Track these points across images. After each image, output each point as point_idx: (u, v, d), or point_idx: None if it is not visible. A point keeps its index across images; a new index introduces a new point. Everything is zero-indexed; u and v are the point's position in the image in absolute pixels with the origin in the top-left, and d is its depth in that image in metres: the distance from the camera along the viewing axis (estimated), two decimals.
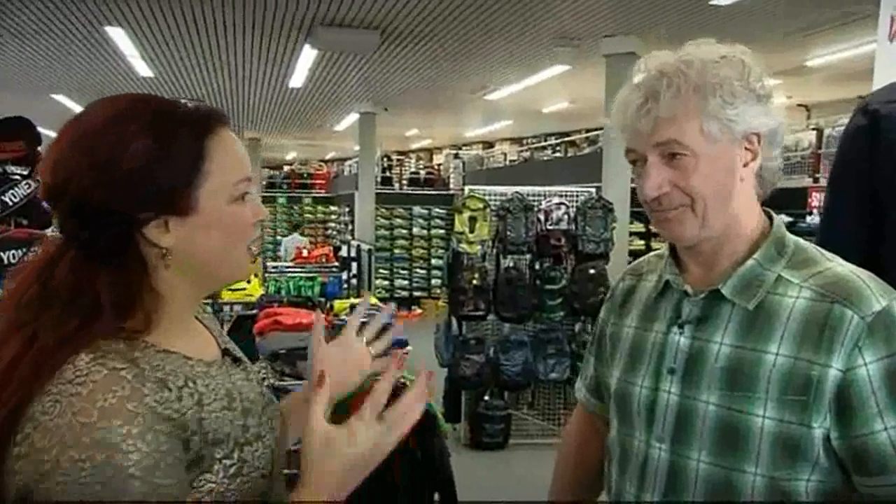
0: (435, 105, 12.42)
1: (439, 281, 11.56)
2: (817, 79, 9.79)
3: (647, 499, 1.02)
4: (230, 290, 4.64)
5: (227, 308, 4.69)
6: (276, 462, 0.92)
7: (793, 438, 0.91)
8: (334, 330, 3.07)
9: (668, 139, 0.94)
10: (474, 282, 4.89)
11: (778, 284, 0.96)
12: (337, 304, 3.69)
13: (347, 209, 13.65)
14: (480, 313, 4.94)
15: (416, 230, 12.24)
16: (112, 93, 0.89)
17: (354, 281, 7.57)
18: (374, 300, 3.89)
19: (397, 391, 0.84)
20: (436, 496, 2.38)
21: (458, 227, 4.97)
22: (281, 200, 15.45)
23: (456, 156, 16.61)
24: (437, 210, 12.27)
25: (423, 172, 16.34)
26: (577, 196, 5.15)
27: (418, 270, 12.22)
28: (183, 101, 0.88)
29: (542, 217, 4.98)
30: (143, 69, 9.11)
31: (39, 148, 3.33)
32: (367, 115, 11.88)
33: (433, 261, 12.09)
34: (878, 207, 1.37)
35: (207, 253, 0.86)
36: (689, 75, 0.94)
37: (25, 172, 3.22)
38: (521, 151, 16.15)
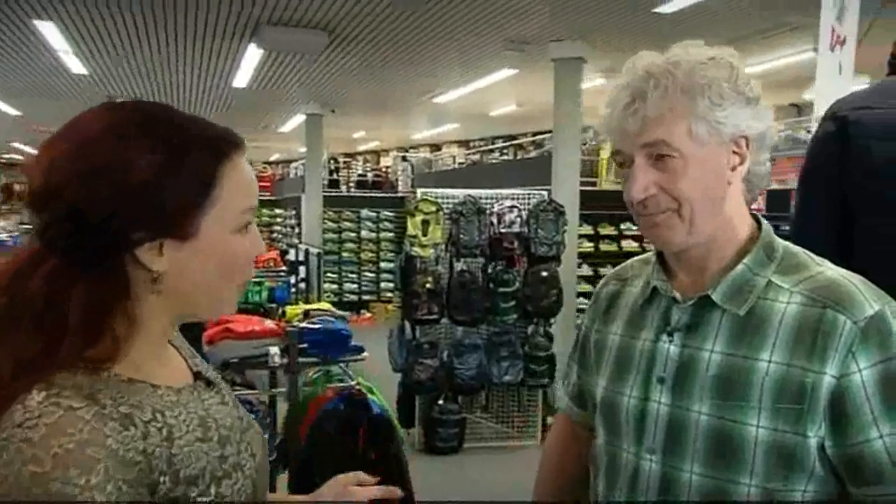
0: (383, 107, 12.32)
1: (389, 284, 11.51)
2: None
3: None
4: None
5: None
6: (260, 489, 0.85)
7: (787, 448, 0.89)
8: (287, 336, 2.99)
9: (656, 139, 0.92)
10: (428, 285, 4.85)
11: (768, 290, 0.95)
12: (289, 310, 3.60)
13: (294, 212, 13.40)
14: (434, 317, 4.90)
15: (364, 233, 12.11)
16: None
17: (303, 285, 7.43)
18: (326, 305, 3.81)
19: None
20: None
21: (410, 230, 4.91)
22: None
23: (404, 158, 16.51)
24: (386, 213, 12.17)
25: (370, 175, 16.18)
26: (529, 199, 5.17)
27: (367, 274, 12.10)
28: (201, 118, 0.81)
29: (494, 220, 4.97)
30: (77, 66, 8.71)
31: None
32: (313, 117, 11.70)
33: (382, 264, 12.00)
34: (848, 212, 1.38)
35: (198, 283, 0.79)
36: (677, 76, 0.92)
37: None
38: (469, 154, 16.18)
